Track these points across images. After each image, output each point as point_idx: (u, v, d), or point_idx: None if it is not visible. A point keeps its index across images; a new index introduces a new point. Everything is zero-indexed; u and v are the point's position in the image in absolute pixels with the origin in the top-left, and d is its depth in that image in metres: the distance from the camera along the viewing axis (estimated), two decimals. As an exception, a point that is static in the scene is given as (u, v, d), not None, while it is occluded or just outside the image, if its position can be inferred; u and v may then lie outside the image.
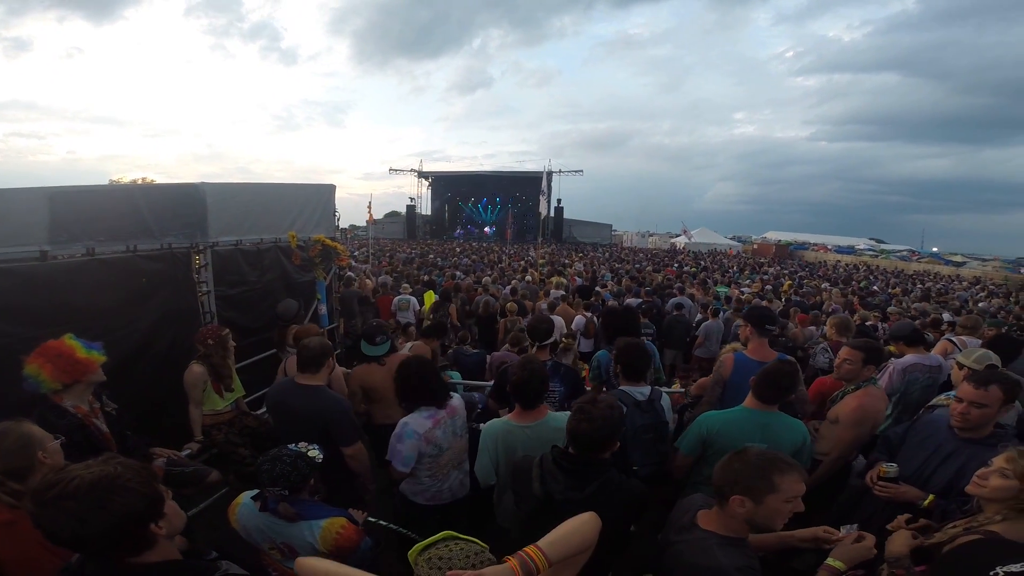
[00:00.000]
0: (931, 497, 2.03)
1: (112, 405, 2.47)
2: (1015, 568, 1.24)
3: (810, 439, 2.33)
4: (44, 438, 1.71)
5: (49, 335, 2.28)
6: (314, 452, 1.90)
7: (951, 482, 2.04)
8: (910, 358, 3.59)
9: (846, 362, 2.76)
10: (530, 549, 1.21)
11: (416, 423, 2.43)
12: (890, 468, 2.13)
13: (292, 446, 1.89)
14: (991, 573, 1.22)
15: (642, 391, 2.58)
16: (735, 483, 1.47)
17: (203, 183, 3.78)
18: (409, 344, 3.96)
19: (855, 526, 1.73)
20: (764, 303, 8.25)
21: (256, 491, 1.87)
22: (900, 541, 1.72)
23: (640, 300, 8.43)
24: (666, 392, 2.98)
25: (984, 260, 29.41)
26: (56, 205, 2.84)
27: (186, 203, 3.69)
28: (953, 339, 4.42)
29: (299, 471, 1.81)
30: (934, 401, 2.65)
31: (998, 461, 1.62)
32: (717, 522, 1.55)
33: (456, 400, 2.62)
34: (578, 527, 1.32)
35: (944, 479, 2.07)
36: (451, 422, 2.54)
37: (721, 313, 7.22)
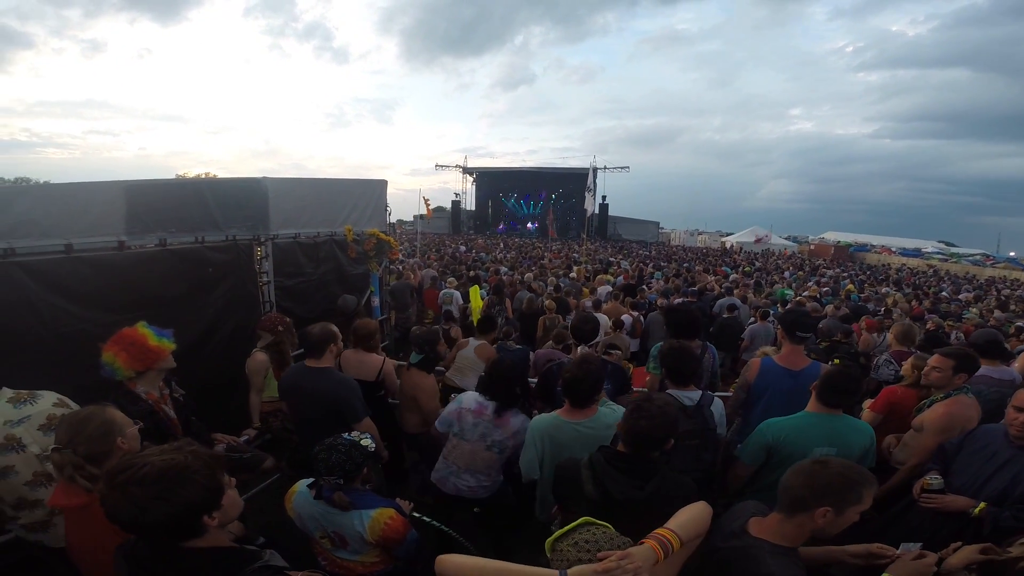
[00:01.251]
0: (982, 505, 1.99)
1: (180, 391, 2.53)
2: None
3: (875, 440, 2.32)
4: (125, 424, 1.73)
5: (125, 321, 2.36)
6: (366, 441, 1.92)
7: (1005, 490, 2.01)
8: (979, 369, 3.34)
9: (935, 370, 2.60)
10: (664, 531, 1.29)
11: (468, 397, 2.62)
12: (934, 480, 2.14)
13: (346, 435, 1.92)
14: None
15: (690, 396, 2.49)
16: (825, 495, 1.42)
17: (265, 178, 3.91)
18: (474, 342, 4.04)
19: (919, 545, 1.64)
20: (823, 309, 7.83)
21: (311, 479, 1.92)
22: (963, 555, 1.66)
23: (685, 299, 8.20)
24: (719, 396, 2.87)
25: (1072, 267, 26.79)
26: (132, 197, 3.01)
27: (249, 197, 3.83)
28: (1034, 353, 4.07)
29: (353, 460, 1.84)
30: None
31: None
32: (772, 530, 1.50)
33: (515, 422, 2.56)
34: (697, 514, 1.39)
35: (998, 487, 2.04)
36: (486, 425, 2.55)
37: (771, 316, 6.90)
